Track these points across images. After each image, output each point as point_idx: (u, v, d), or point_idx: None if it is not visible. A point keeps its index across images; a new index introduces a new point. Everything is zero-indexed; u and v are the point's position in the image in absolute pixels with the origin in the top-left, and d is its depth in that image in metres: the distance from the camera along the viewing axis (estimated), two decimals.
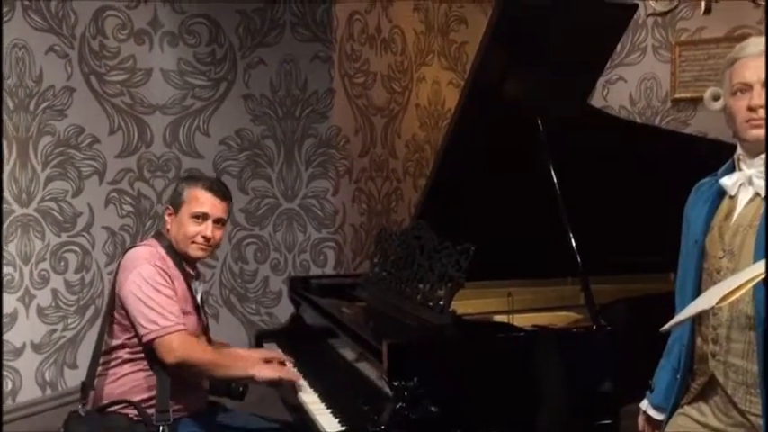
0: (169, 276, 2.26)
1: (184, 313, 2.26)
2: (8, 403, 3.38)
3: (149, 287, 2.18)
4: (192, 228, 2.30)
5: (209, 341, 2.48)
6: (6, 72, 3.33)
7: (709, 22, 4.39)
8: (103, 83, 3.78)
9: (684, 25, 4.57)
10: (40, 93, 3.48)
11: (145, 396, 2.22)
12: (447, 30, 4.89)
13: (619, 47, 4.68)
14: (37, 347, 3.51)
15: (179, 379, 2.21)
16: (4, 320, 3.35)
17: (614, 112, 4.71)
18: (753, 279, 1.32)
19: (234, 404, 2.52)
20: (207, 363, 2.21)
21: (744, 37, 4.43)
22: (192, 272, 2.39)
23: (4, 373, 3.37)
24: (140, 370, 2.24)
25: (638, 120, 4.69)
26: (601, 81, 4.73)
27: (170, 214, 2.36)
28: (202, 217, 2.31)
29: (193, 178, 2.46)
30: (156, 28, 3.96)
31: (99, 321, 3.71)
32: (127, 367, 2.25)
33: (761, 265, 1.37)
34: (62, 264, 3.62)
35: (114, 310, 2.27)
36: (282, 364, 2.43)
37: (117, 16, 3.82)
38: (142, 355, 2.23)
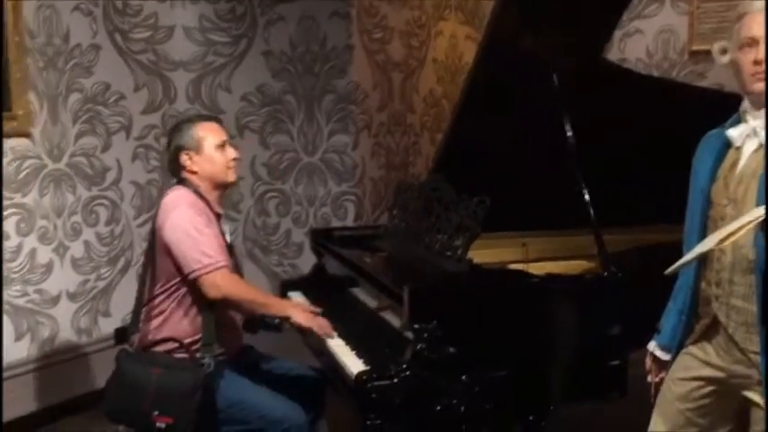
0: (208, 216, 2.37)
1: None
2: (46, 349, 3.56)
3: (191, 227, 2.28)
4: (224, 156, 2.43)
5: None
6: (35, 31, 3.42)
7: None
8: (128, 40, 3.86)
9: None
10: (67, 51, 3.58)
11: (188, 340, 2.32)
12: None
13: None
14: (72, 296, 3.68)
15: (217, 320, 2.32)
16: (41, 270, 3.51)
17: (631, 65, 4.73)
18: (749, 222, 1.41)
19: (265, 348, 2.65)
20: (249, 300, 2.35)
21: None
22: (219, 210, 2.49)
23: (42, 320, 3.54)
24: (183, 315, 2.35)
25: (655, 72, 4.70)
26: (618, 34, 4.72)
27: (190, 158, 2.41)
28: (223, 144, 2.45)
29: (190, 119, 2.54)
30: None
31: (130, 271, 3.91)
32: (169, 312, 2.36)
33: (757, 211, 1.46)
34: (93, 216, 3.76)
35: (155, 257, 2.37)
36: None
37: None
38: (185, 298, 2.33)
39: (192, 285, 2.30)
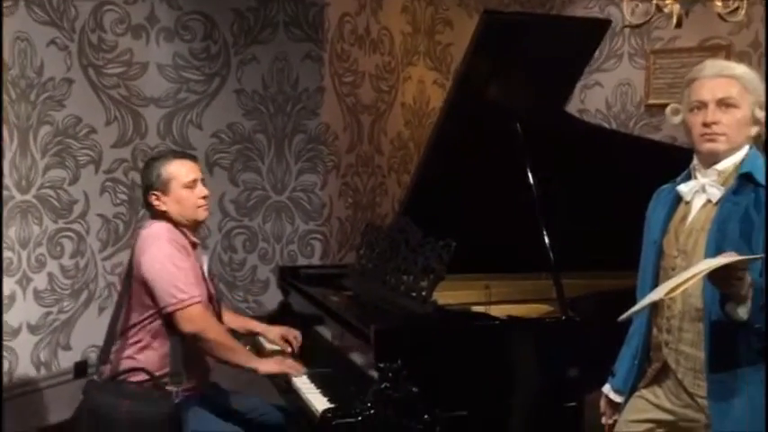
0: (185, 249, 2.40)
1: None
2: (5, 382, 3.50)
3: (169, 262, 2.31)
4: (192, 195, 2.43)
5: (219, 307, 2.60)
6: (9, 63, 3.44)
7: (683, 32, 4.60)
8: (101, 75, 3.90)
9: (659, 34, 4.79)
10: (40, 83, 3.60)
11: (159, 372, 2.34)
12: (433, 31, 5.06)
13: (597, 53, 4.89)
14: (33, 329, 3.64)
15: (187, 353, 2.35)
16: (3, 302, 3.48)
17: (591, 116, 4.93)
18: (696, 275, 1.51)
19: (229, 383, 2.68)
20: (219, 341, 2.35)
21: (714, 47, 4.67)
22: (196, 240, 2.52)
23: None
24: (157, 347, 2.37)
25: (614, 123, 4.90)
26: (579, 85, 4.93)
27: (158, 198, 2.43)
28: (192, 183, 2.44)
29: (160, 156, 2.54)
30: (153, 23, 4.09)
31: (92, 305, 3.89)
32: (144, 344, 2.38)
33: (705, 263, 1.56)
34: (58, 249, 3.75)
35: (131, 289, 2.39)
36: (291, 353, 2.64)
37: (115, 11, 3.94)
38: (160, 330, 2.36)
39: (166, 319, 2.32)
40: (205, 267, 2.54)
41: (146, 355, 2.38)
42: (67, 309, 3.81)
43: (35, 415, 3.61)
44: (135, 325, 2.39)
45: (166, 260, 2.32)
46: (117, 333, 2.41)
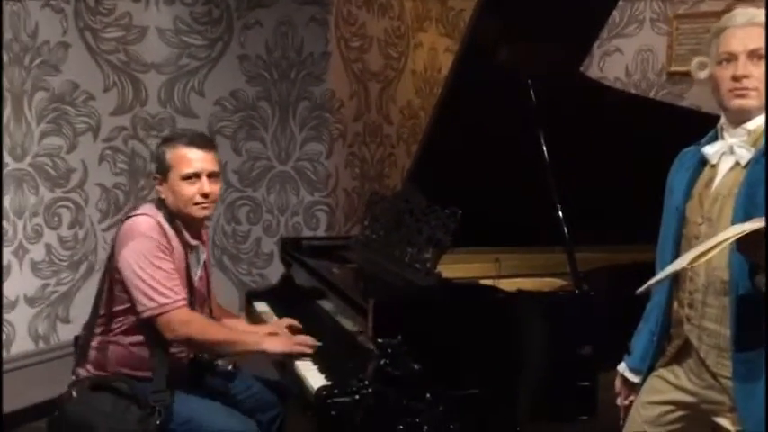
0: (168, 248, 2.14)
1: None
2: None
3: (147, 262, 2.07)
4: (188, 190, 2.16)
5: (211, 312, 2.38)
6: None
7: None
8: (99, 39, 3.77)
9: None
10: (35, 47, 3.48)
11: (139, 372, 2.15)
12: None
13: (617, 18, 4.68)
14: (30, 301, 3.56)
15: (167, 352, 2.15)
16: None
17: (610, 84, 4.71)
18: (723, 242, 1.36)
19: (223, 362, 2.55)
20: (211, 341, 2.15)
21: None
22: (192, 242, 2.26)
23: None
24: (137, 343, 2.16)
25: (634, 91, 4.69)
26: (598, 52, 4.73)
27: (160, 183, 2.20)
28: (194, 176, 2.17)
29: (171, 139, 2.25)
30: None
31: (93, 277, 3.79)
32: (122, 337, 2.17)
33: (732, 229, 1.41)
34: (56, 219, 3.65)
35: (112, 279, 2.16)
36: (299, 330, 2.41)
37: None
38: (138, 329, 2.14)
39: (147, 322, 2.10)
40: (196, 273, 2.28)
41: (126, 352, 2.16)
42: (66, 281, 3.72)
43: (34, 390, 3.53)
44: (115, 317, 2.16)
45: (144, 259, 2.07)
46: (97, 321, 2.19)
